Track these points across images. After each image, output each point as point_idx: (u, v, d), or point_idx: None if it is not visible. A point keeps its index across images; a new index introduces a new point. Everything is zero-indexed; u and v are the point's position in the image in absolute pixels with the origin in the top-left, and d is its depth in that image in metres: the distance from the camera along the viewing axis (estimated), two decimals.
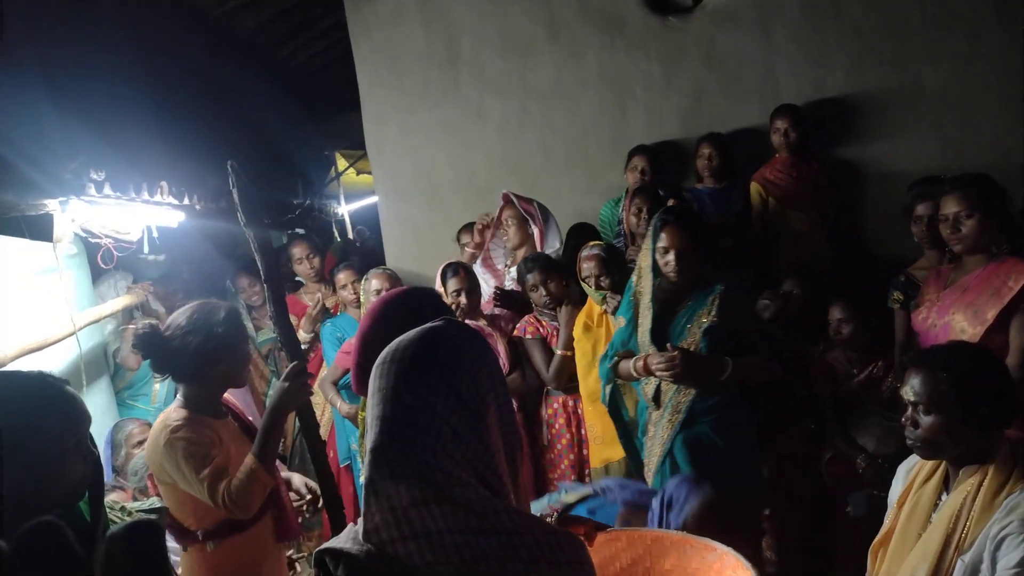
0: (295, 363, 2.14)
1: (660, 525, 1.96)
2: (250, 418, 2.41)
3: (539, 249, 3.63)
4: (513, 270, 3.71)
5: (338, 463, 3.89)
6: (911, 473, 1.85)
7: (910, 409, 1.73)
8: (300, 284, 4.49)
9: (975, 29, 3.77)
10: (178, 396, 2.18)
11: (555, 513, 1.98)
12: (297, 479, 2.51)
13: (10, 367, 2.69)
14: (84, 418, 1.53)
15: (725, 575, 1.52)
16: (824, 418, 3.07)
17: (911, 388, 1.72)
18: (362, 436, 3.24)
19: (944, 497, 1.74)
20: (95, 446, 1.60)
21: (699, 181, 4.02)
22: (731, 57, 4.07)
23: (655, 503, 2.01)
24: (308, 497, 2.45)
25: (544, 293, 3.26)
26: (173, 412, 2.12)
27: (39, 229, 2.70)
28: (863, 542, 1.95)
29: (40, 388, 1.49)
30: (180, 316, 2.13)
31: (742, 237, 3.87)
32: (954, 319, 2.50)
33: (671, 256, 2.59)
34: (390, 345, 1.13)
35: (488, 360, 1.15)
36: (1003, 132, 3.71)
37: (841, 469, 2.93)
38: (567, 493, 2.18)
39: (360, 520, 1.07)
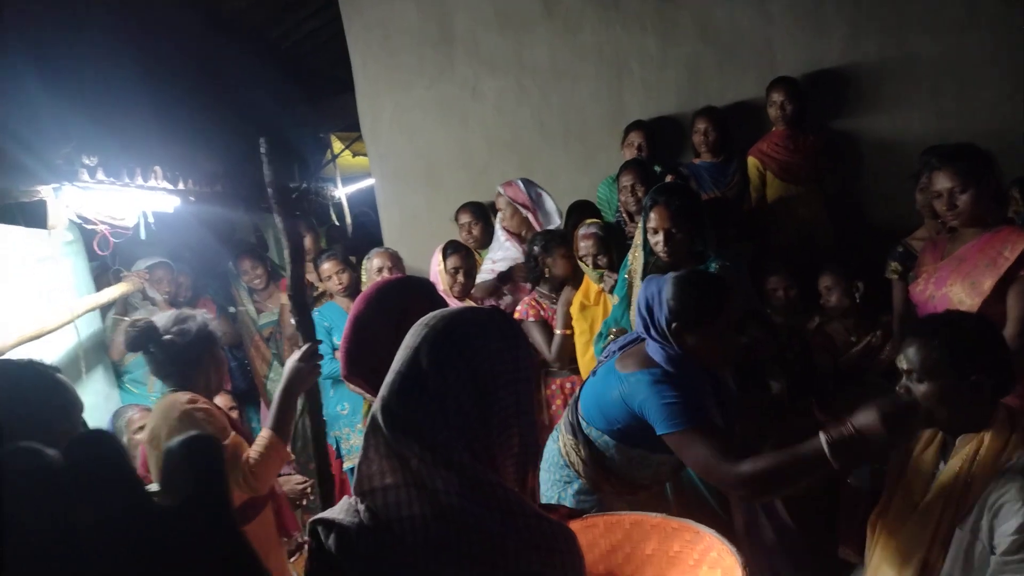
0: (310, 344, 2.15)
1: (652, 330, 1.99)
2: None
3: (538, 228, 3.63)
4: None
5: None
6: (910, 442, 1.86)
7: (904, 377, 1.73)
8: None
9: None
10: (170, 389, 2.20)
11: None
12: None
13: (9, 355, 2.69)
14: (75, 405, 1.53)
15: (708, 557, 1.50)
16: (824, 389, 3.08)
17: (905, 356, 1.73)
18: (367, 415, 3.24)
19: (942, 466, 1.75)
20: None
21: (696, 156, 4.00)
22: (728, 30, 4.03)
23: (638, 315, 2.05)
24: (311, 481, 2.47)
25: (565, 266, 3.26)
26: (178, 394, 2.13)
27: (33, 216, 2.68)
28: (865, 513, 1.96)
29: (29, 377, 1.49)
30: (161, 315, 2.22)
31: (739, 211, 3.86)
32: (952, 290, 2.50)
33: (659, 236, 2.58)
34: (433, 312, 1.15)
35: (516, 358, 1.14)
36: (1001, 101, 3.68)
37: None
38: None
39: (353, 487, 1.09)
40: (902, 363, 1.74)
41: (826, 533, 2.92)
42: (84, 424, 1.60)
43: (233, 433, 2.10)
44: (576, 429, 2.13)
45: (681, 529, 1.59)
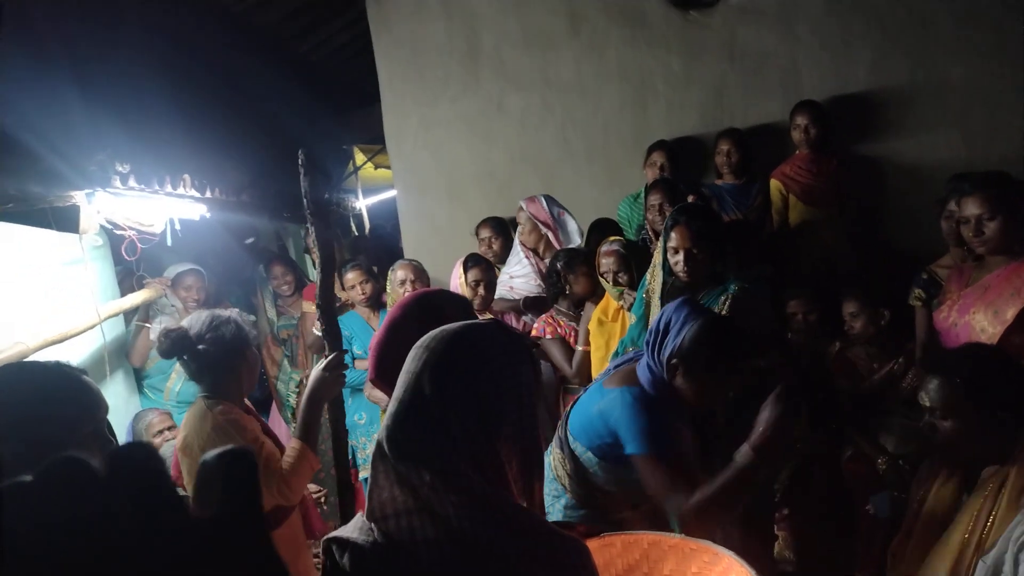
0: (335, 353, 2.15)
1: (655, 351, 1.97)
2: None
3: (557, 248, 3.64)
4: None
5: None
6: (932, 472, 1.84)
7: (928, 415, 1.72)
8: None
9: (1001, 23, 3.70)
10: (203, 394, 2.18)
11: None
12: None
13: (33, 357, 2.73)
14: (100, 406, 1.54)
15: None
16: (844, 416, 3.06)
17: (927, 394, 1.72)
18: None
19: (965, 497, 1.73)
20: (113, 435, 1.62)
21: (719, 177, 4.00)
22: (753, 52, 4.04)
23: (652, 327, 2.02)
24: (324, 491, 2.46)
25: (586, 284, 3.28)
26: (209, 402, 2.12)
27: (66, 220, 2.74)
28: (884, 541, 1.94)
29: (56, 377, 1.50)
30: (193, 319, 2.18)
31: (760, 234, 3.85)
32: (975, 318, 2.47)
33: (680, 256, 2.57)
34: (430, 332, 1.14)
35: (519, 372, 1.13)
36: None
37: (861, 467, 2.91)
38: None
39: (366, 514, 1.08)
40: (924, 400, 1.73)
41: (843, 561, 2.89)
42: (109, 426, 1.61)
43: (268, 442, 2.11)
44: (563, 443, 2.14)
45: (699, 550, 1.57)
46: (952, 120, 3.81)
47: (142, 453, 0.57)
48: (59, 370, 1.53)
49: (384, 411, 3.45)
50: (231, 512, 0.58)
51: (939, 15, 3.78)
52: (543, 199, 3.78)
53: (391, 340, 1.60)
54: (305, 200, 2.15)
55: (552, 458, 2.21)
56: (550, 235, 3.72)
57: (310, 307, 4.21)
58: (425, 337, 1.13)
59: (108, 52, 3.58)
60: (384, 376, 1.59)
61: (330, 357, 2.14)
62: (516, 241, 3.86)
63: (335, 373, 2.13)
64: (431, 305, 1.66)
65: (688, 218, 2.59)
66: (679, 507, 1.77)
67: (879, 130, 3.92)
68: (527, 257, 3.77)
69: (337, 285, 4.23)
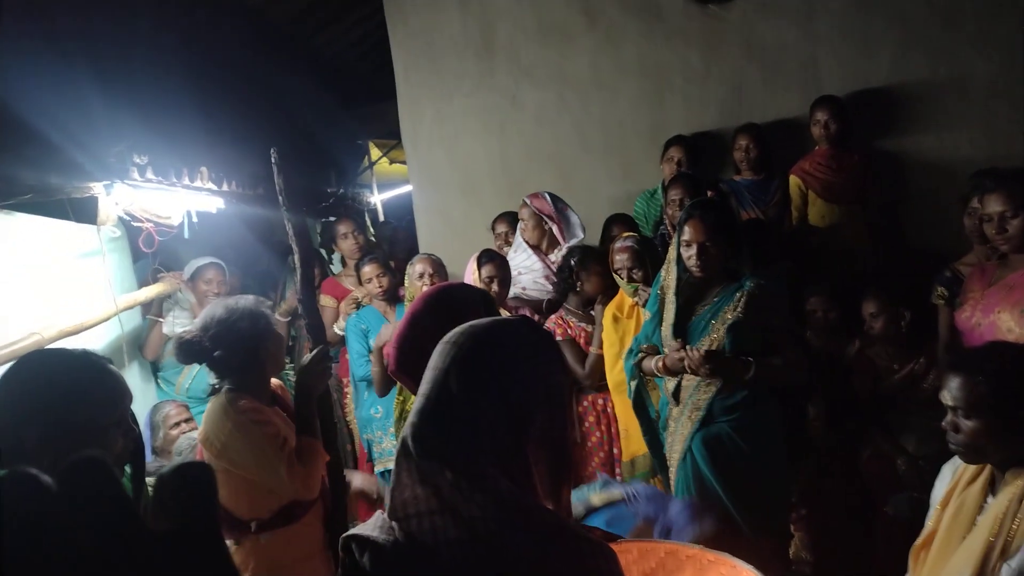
0: (320, 347, 2.19)
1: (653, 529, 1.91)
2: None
3: (562, 243, 3.62)
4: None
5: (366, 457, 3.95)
6: (956, 473, 1.81)
7: (950, 413, 1.69)
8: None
9: None
10: (227, 386, 2.17)
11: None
12: (359, 478, 2.60)
13: (50, 348, 2.74)
14: (126, 395, 1.57)
15: None
16: (863, 415, 3.02)
17: (949, 392, 1.69)
18: (398, 420, 3.25)
19: (990, 499, 1.70)
20: (136, 423, 1.64)
21: (737, 173, 3.96)
22: (772, 46, 3.99)
23: (656, 529, 1.95)
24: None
25: (598, 283, 3.26)
26: (231, 396, 2.11)
27: (84, 212, 2.76)
28: (903, 542, 1.91)
29: (84, 364, 1.54)
30: (207, 317, 2.16)
31: (779, 230, 3.81)
32: (1000, 318, 2.44)
33: (693, 250, 2.53)
34: (458, 327, 1.12)
35: (548, 371, 1.12)
36: None
37: (881, 467, 2.88)
38: (598, 491, 2.15)
39: (387, 505, 1.07)
40: (946, 399, 1.70)
41: (861, 562, 2.86)
42: (132, 415, 1.63)
43: (291, 435, 2.11)
44: None
45: (717, 562, 1.54)
46: (975, 116, 3.75)
47: (95, 466, 0.56)
48: (87, 358, 1.56)
49: (398, 405, 3.46)
50: (187, 525, 0.57)
51: (962, 11, 3.72)
52: (546, 195, 3.76)
53: (412, 333, 1.61)
54: (280, 197, 2.20)
55: None
56: (554, 228, 3.69)
57: (328, 301, 4.22)
58: (452, 333, 1.11)
59: (126, 45, 3.60)
60: (406, 369, 1.60)
61: (315, 351, 2.18)
62: (518, 237, 3.84)
63: (321, 365, 2.16)
64: (453, 299, 1.66)
65: (702, 212, 2.55)
66: None
67: (901, 126, 3.86)
68: (534, 254, 3.76)
69: (354, 279, 4.25)
